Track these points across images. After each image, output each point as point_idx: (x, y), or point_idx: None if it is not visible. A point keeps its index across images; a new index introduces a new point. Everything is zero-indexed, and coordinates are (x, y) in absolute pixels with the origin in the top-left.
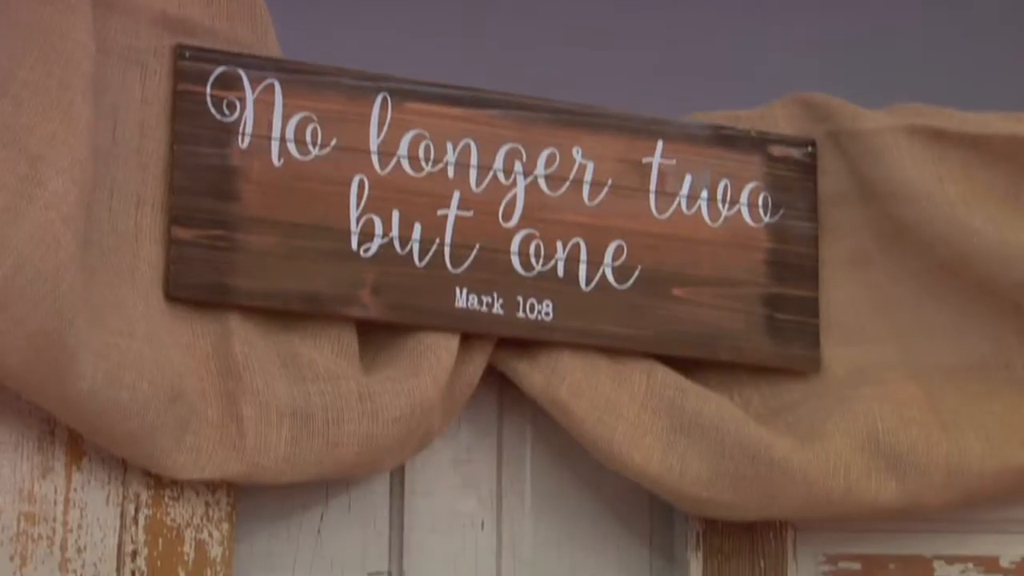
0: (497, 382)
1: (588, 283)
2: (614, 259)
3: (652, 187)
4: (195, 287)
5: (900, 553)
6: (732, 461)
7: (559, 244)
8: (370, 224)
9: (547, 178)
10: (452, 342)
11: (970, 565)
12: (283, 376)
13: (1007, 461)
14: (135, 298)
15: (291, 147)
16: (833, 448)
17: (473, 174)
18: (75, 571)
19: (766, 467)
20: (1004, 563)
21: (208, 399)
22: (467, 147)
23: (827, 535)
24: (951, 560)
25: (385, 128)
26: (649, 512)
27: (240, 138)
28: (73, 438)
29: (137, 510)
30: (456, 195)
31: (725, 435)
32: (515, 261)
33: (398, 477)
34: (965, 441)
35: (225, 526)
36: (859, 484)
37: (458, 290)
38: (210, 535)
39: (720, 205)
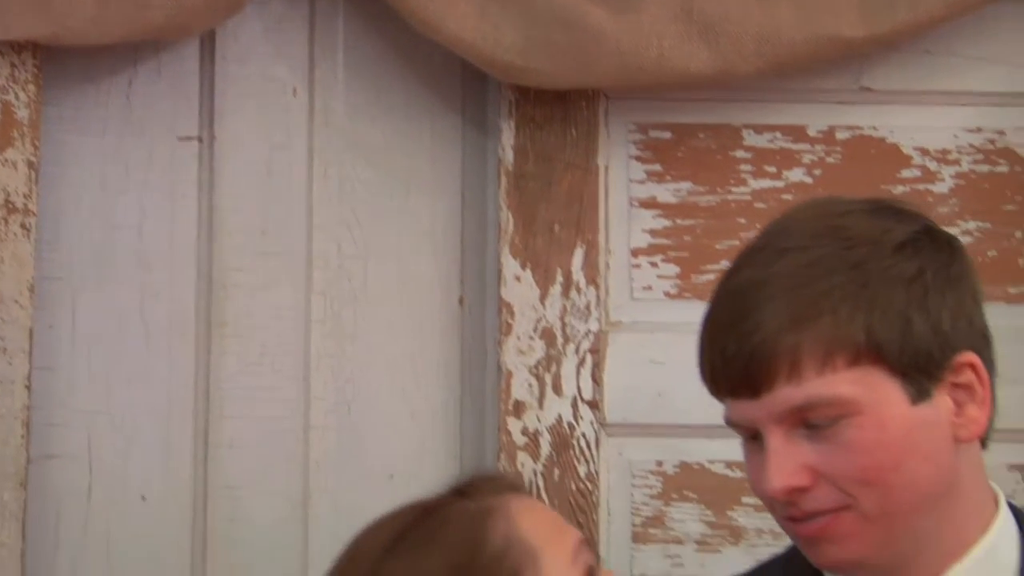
0: None
1: None
2: None
3: None
4: None
5: (710, 122)
6: (546, 28)
7: None
8: None
9: None
10: None
11: (778, 134)
12: None
13: (817, 31)
14: None
15: None
16: (648, 17)
17: None
18: None
19: (580, 34)
20: (811, 132)
21: None
22: None
23: (639, 104)
24: (760, 129)
25: None
26: (462, 81)
27: None
28: None
29: None
30: None
31: (539, 1)
32: None
33: (209, 44)
34: (777, 10)
35: (31, 88)
36: (672, 52)
37: None
38: (16, 97)
39: None
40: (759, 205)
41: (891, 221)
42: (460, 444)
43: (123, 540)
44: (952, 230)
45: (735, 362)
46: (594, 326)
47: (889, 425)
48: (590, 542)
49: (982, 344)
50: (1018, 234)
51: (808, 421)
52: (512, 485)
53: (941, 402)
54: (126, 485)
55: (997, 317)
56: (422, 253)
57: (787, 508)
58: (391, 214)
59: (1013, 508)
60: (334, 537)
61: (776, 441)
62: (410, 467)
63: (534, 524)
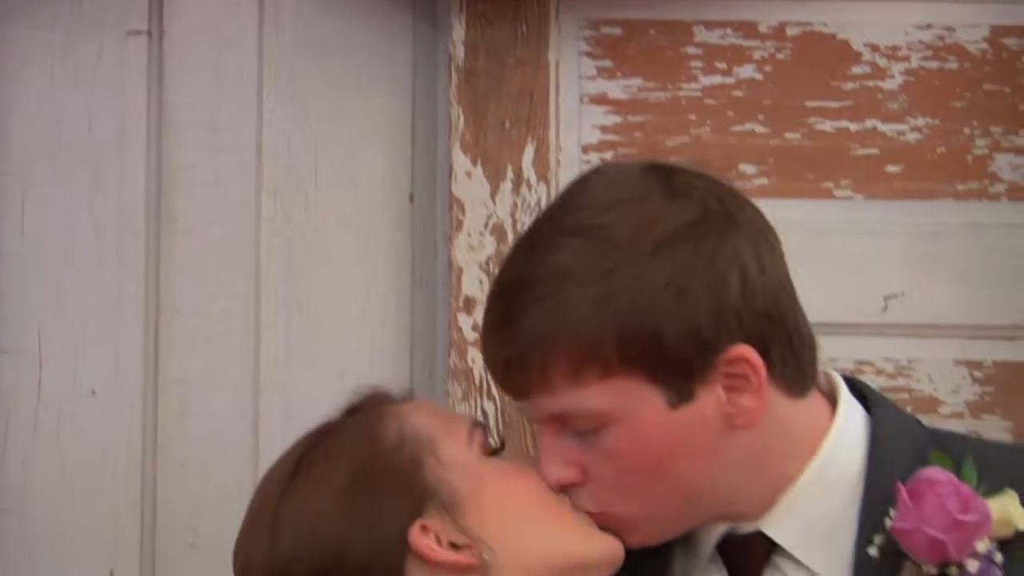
0: None
1: None
2: None
3: None
4: None
5: (661, 18)
6: None
7: None
8: None
9: None
10: None
11: (729, 30)
12: None
13: None
14: None
15: None
16: None
17: None
18: None
19: None
20: (762, 28)
21: None
22: None
23: (590, 0)
24: (711, 25)
25: None
26: None
27: None
28: None
29: None
30: None
31: None
32: None
33: None
34: None
35: None
36: None
37: None
38: None
39: None
40: (709, 102)
41: (663, 207)
42: (410, 341)
43: (73, 436)
44: (901, 127)
45: (497, 368)
46: None
47: (647, 432)
48: (484, 425)
49: (763, 328)
50: (967, 131)
51: (572, 426)
52: (402, 395)
53: (710, 397)
54: (76, 380)
55: (946, 214)
56: (372, 150)
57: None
58: (341, 111)
59: (868, 398)
60: (284, 433)
61: (545, 439)
62: (360, 364)
63: (424, 417)
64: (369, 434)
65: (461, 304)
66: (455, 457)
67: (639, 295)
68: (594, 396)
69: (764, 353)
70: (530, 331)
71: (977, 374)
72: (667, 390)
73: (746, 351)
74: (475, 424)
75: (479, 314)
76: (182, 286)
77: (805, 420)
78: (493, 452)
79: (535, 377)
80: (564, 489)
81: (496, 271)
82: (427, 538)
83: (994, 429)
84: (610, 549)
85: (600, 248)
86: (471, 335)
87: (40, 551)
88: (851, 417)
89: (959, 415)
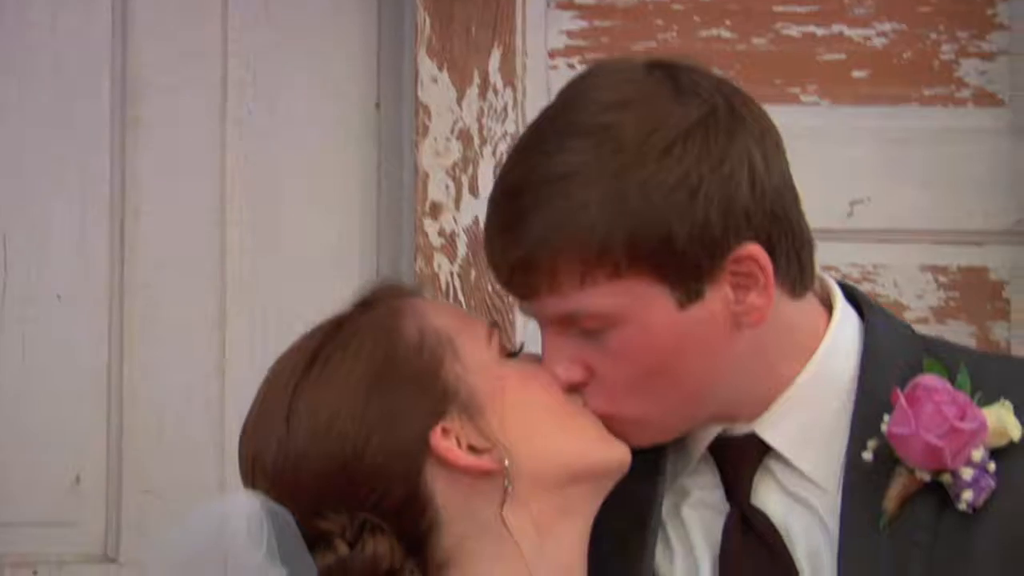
0: None
1: None
2: None
3: None
4: None
5: None
6: None
7: None
8: None
9: None
10: None
11: None
12: None
13: None
14: None
15: None
16: None
17: None
18: None
19: None
20: None
21: None
22: None
23: None
24: None
25: None
26: None
27: None
28: None
29: None
30: None
31: None
32: None
33: None
34: None
35: None
36: None
37: None
38: None
39: None
40: (676, 7)
41: (671, 107)
42: (376, 245)
43: (38, 340)
44: (867, 32)
45: (503, 270)
46: (511, 128)
47: (656, 332)
48: (501, 327)
49: (770, 226)
50: (933, 36)
51: (579, 327)
52: (414, 290)
53: (718, 296)
54: (41, 284)
55: (910, 118)
56: (338, 55)
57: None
58: (308, 15)
59: (862, 305)
60: (252, 333)
61: (550, 339)
62: (326, 268)
63: (443, 317)
64: (388, 331)
65: (427, 209)
66: (475, 359)
67: (650, 196)
68: (603, 297)
69: (770, 251)
70: (539, 233)
71: (942, 279)
72: (676, 290)
73: (754, 249)
74: (493, 325)
75: (445, 220)
76: (148, 188)
77: (805, 321)
78: (510, 355)
79: (543, 279)
80: (570, 390)
81: (462, 176)
82: (448, 441)
83: (958, 334)
84: (622, 455)
85: (609, 149)
86: (437, 240)
87: (6, 456)
88: (846, 322)
89: (924, 320)
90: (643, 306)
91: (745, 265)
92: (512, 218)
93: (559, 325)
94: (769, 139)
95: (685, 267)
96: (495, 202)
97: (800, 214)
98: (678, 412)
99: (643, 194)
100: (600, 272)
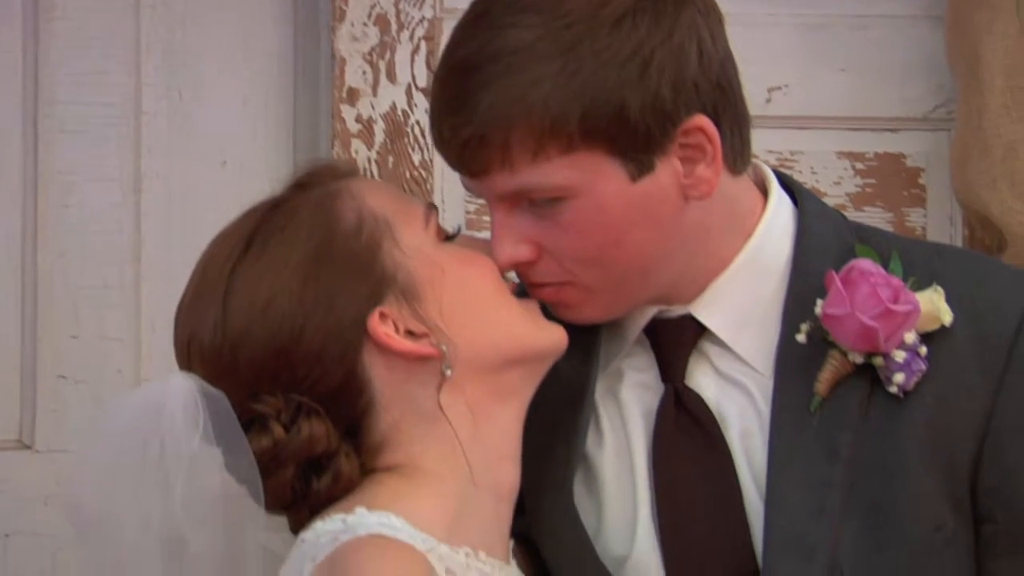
0: None
1: None
2: None
3: None
4: None
5: None
6: None
7: None
8: None
9: None
10: None
11: None
12: None
13: None
14: None
15: None
16: None
17: None
18: None
19: None
20: None
21: None
22: None
23: None
24: None
25: None
26: None
27: None
28: None
29: None
30: None
31: None
32: None
33: None
34: None
35: None
36: None
37: None
38: None
39: None
40: None
41: None
42: (293, 131)
43: None
44: None
45: (452, 146)
46: (428, 13)
47: (608, 205)
48: (437, 209)
49: (716, 98)
50: None
51: (530, 201)
52: (349, 171)
53: (667, 169)
54: None
55: (829, 5)
56: None
57: (521, 276)
58: None
59: (796, 191)
60: (166, 223)
61: (499, 216)
62: (243, 154)
63: (380, 198)
64: (326, 213)
65: (344, 95)
66: (413, 242)
67: (603, 69)
68: (555, 171)
69: (716, 124)
70: (490, 109)
71: (859, 166)
72: (628, 163)
73: (702, 121)
74: (430, 207)
75: (362, 105)
76: (61, 76)
77: (745, 200)
78: (448, 238)
79: (495, 155)
80: (516, 268)
81: (379, 62)
82: (385, 326)
83: (875, 220)
84: (557, 337)
85: (559, 23)
86: (354, 126)
87: None
88: (781, 206)
89: (842, 207)
90: (595, 179)
91: (694, 137)
92: (463, 95)
93: (509, 202)
94: (713, 12)
95: (637, 139)
96: (443, 79)
97: (740, 87)
98: (623, 287)
99: (596, 68)
100: (553, 146)
